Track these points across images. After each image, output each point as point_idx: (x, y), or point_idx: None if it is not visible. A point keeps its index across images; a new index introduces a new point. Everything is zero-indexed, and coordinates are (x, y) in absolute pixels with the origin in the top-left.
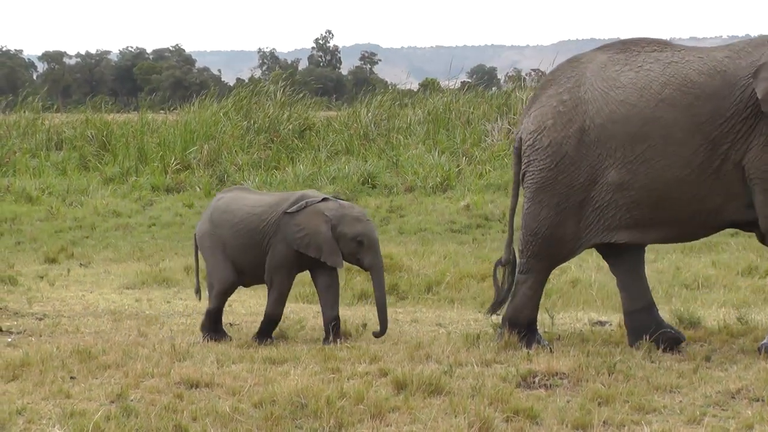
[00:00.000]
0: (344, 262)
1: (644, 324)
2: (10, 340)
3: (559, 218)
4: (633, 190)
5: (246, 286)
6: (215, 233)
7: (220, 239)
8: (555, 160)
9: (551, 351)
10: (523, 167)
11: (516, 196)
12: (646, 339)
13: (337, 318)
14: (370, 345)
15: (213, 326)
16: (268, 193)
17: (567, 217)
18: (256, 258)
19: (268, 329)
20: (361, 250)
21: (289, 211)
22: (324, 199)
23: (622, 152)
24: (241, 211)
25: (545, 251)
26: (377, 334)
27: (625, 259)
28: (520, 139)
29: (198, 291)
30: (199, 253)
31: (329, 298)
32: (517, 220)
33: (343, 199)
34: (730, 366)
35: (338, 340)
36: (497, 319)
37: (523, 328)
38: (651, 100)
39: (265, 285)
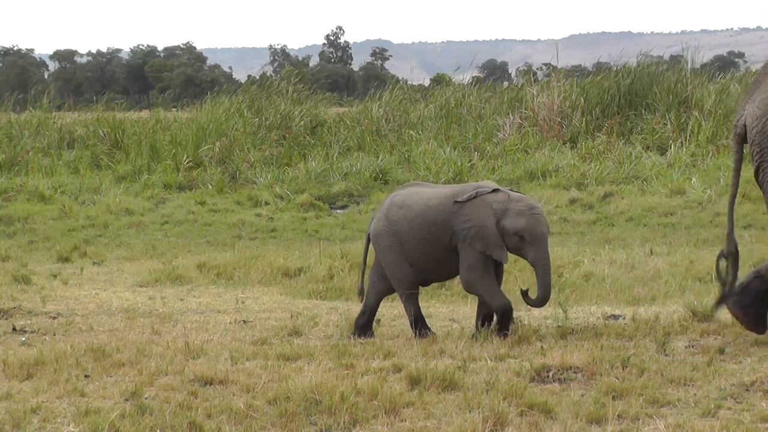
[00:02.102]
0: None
1: None
2: (24, 339)
3: None
4: None
5: (425, 284)
6: (392, 230)
7: (397, 236)
8: None
9: None
10: (755, 160)
11: (736, 185)
12: None
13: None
14: (384, 341)
15: (420, 329)
16: (446, 186)
17: None
18: (435, 253)
19: (506, 322)
20: (523, 245)
21: (458, 200)
22: (495, 190)
23: None
24: (418, 205)
25: None
26: (529, 301)
27: None
28: (744, 125)
29: (362, 292)
30: (371, 252)
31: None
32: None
33: (515, 191)
34: (744, 359)
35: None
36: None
37: None
38: None
39: (424, 283)
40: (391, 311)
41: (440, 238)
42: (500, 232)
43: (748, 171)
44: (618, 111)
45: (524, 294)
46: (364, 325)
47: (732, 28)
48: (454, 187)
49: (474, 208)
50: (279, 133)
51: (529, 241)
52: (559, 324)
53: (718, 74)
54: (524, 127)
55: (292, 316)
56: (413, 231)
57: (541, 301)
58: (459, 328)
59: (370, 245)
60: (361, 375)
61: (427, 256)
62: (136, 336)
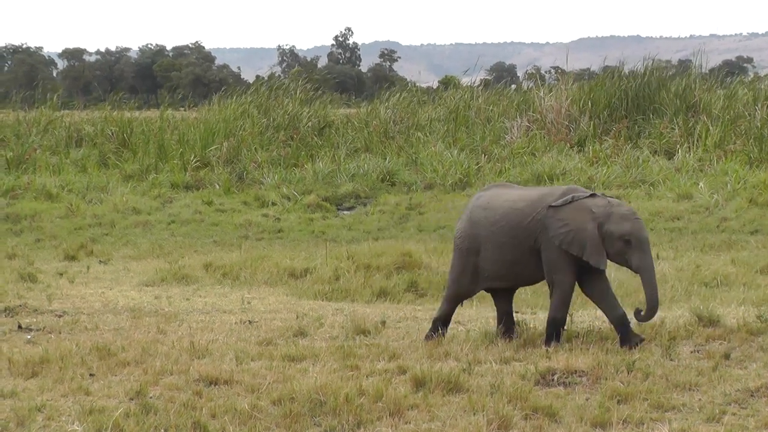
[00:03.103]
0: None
1: None
2: (29, 337)
3: None
4: None
5: (500, 288)
6: (472, 234)
7: (477, 239)
8: None
9: None
10: None
11: None
12: None
13: (624, 314)
14: (389, 342)
15: (435, 329)
16: (531, 188)
17: None
18: (515, 257)
19: (553, 333)
20: (629, 249)
21: (553, 204)
22: (591, 195)
23: None
24: (503, 208)
25: None
26: (639, 318)
27: None
28: None
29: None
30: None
31: (610, 296)
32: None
33: (609, 196)
34: (750, 364)
35: (635, 338)
36: (515, 316)
37: None
38: None
39: (489, 290)
40: (397, 313)
41: (524, 241)
42: (602, 237)
43: (755, 175)
44: (626, 115)
45: (637, 313)
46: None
47: (741, 33)
48: (541, 190)
49: (571, 213)
50: (287, 133)
51: (635, 246)
52: (565, 327)
53: (727, 79)
54: (532, 130)
55: (297, 317)
56: (495, 234)
57: (650, 314)
58: (464, 331)
59: None
60: (366, 376)
61: (505, 259)
62: (141, 335)
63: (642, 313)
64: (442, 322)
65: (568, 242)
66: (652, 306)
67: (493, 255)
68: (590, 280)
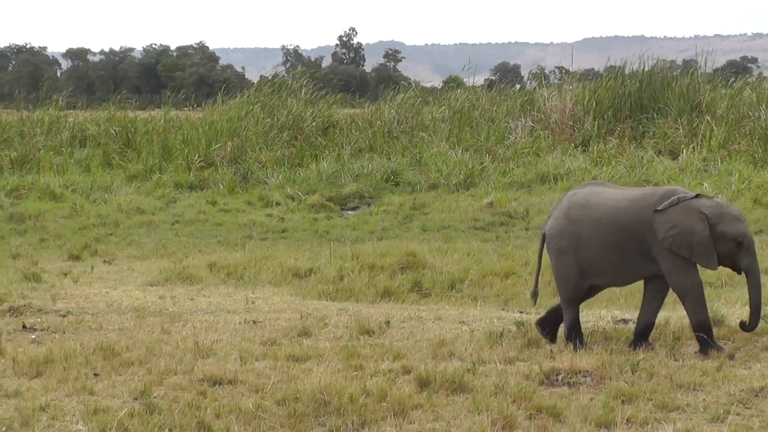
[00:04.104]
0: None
1: None
2: (33, 336)
3: None
4: None
5: (593, 292)
6: (572, 231)
7: (576, 237)
8: None
9: None
10: None
11: None
12: None
13: (652, 325)
14: (394, 342)
15: (575, 339)
16: (629, 188)
17: None
18: (617, 257)
19: (707, 337)
20: (740, 251)
21: (659, 208)
22: (697, 196)
23: None
24: (604, 206)
25: None
26: (746, 329)
27: None
28: None
29: (536, 294)
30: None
31: (654, 304)
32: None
33: (712, 197)
34: (754, 364)
35: (646, 345)
36: (519, 317)
37: None
38: None
39: (592, 290)
40: (401, 313)
41: (627, 241)
42: (713, 238)
43: (759, 175)
44: (630, 115)
45: (743, 325)
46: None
47: (745, 33)
48: (640, 190)
49: (679, 214)
50: (291, 133)
51: (746, 247)
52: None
53: (731, 79)
54: (536, 130)
55: (301, 317)
56: (597, 233)
57: (755, 320)
58: (468, 331)
59: (545, 246)
60: (370, 376)
61: (607, 259)
62: (145, 335)
63: (747, 323)
64: (574, 327)
65: (677, 244)
66: (757, 308)
67: (596, 253)
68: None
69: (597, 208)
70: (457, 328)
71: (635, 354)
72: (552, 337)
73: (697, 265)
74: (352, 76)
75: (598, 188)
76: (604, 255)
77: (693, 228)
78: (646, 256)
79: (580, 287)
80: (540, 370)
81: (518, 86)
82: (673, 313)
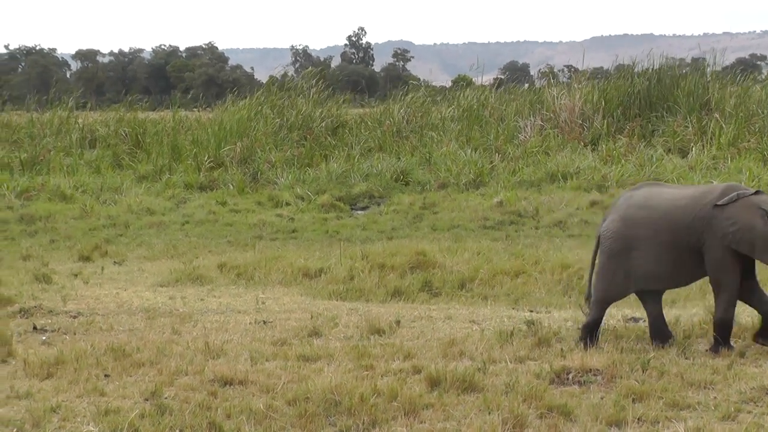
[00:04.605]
0: None
1: None
2: (44, 338)
3: None
4: None
5: (662, 289)
6: (627, 233)
7: (632, 239)
8: None
9: None
10: None
11: None
12: None
13: None
14: (404, 342)
15: (593, 336)
16: (686, 186)
17: None
18: (675, 257)
19: (723, 336)
20: None
21: (719, 203)
22: (757, 192)
23: None
24: (663, 206)
25: None
26: None
27: None
28: None
29: (590, 296)
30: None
31: (759, 294)
32: None
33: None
34: (765, 362)
35: None
36: (530, 316)
37: None
38: None
39: (656, 289)
40: (411, 312)
41: (685, 240)
42: None
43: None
44: (639, 113)
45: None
46: (660, 332)
47: (754, 31)
48: (699, 188)
49: (739, 211)
50: (300, 133)
51: None
52: (579, 326)
53: (740, 77)
54: (545, 129)
55: (312, 317)
56: (656, 234)
57: None
58: (479, 330)
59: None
60: (381, 376)
61: (664, 259)
62: (156, 336)
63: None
64: (594, 326)
65: (737, 241)
66: None
67: (651, 255)
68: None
69: (656, 208)
70: (467, 328)
71: (645, 352)
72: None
73: (759, 261)
74: (361, 75)
75: (655, 188)
76: (660, 257)
77: (753, 224)
78: (701, 257)
79: (621, 292)
80: (551, 369)
81: (527, 85)
82: (683, 312)
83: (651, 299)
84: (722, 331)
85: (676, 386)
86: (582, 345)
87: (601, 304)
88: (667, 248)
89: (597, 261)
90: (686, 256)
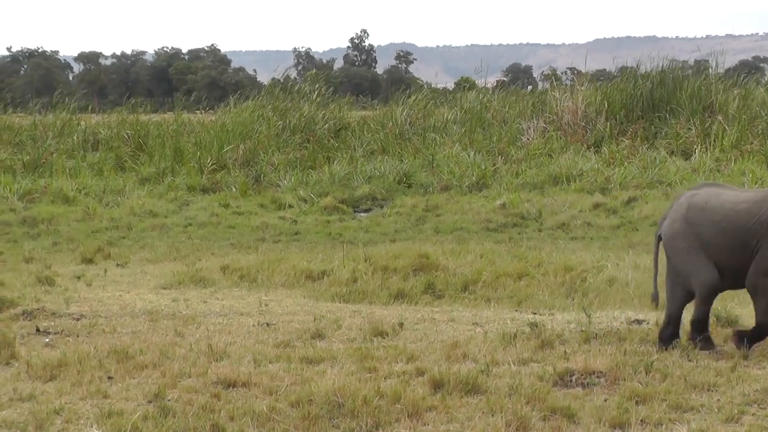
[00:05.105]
0: None
1: None
2: (47, 340)
3: None
4: None
5: (721, 290)
6: (692, 233)
7: (698, 239)
8: None
9: None
10: None
11: None
12: None
13: None
14: (407, 344)
15: (703, 334)
16: (747, 189)
17: None
18: (740, 259)
19: (759, 338)
20: None
21: None
22: None
23: None
24: (724, 208)
25: None
26: None
27: None
28: None
29: (656, 297)
30: (664, 255)
31: None
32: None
33: None
34: None
35: None
36: (533, 318)
37: None
38: None
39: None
40: (414, 315)
41: (746, 243)
42: None
43: None
44: (642, 115)
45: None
46: (671, 336)
47: (757, 33)
48: (761, 191)
49: None
50: (303, 136)
51: None
52: (583, 329)
53: (743, 79)
54: (548, 132)
55: (315, 319)
56: (717, 235)
57: None
58: (482, 332)
59: (660, 248)
60: (384, 378)
61: (731, 261)
62: (159, 338)
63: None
64: (700, 323)
65: None
66: None
67: (714, 257)
68: None
69: (717, 210)
70: (470, 330)
71: (649, 355)
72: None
73: None
74: (363, 78)
75: (716, 189)
76: (722, 257)
77: None
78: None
79: (718, 282)
80: (554, 371)
81: (530, 87)
82: (686, 314)
83: (707, 297)
84: (761, 332)
85: (679, 388)
86: (697, 343)
87: (705, 298)
88: (727, 251)
89: (669, 263)
90: (745, 260)
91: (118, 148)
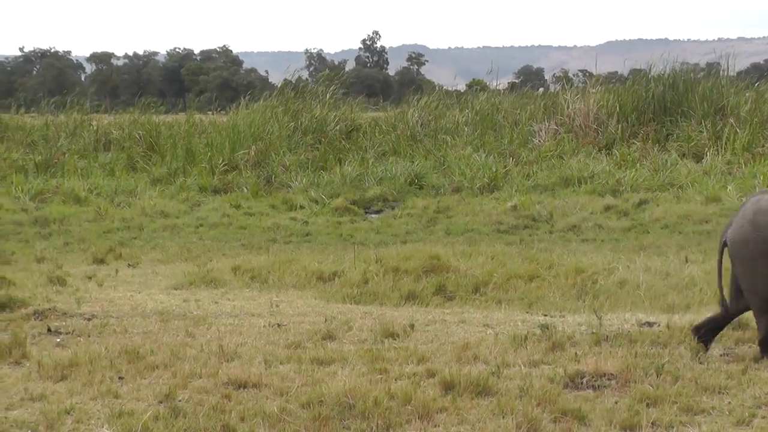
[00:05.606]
0: None
1: None
2: (58, 340)
3: None
4: None
5: None
6: (760, 237)
7: (766, 244)
8: None
9: None
10: None
11: None
12: None
13: None
14: (418, 345)
15: None
16: None
17: None
18: None
19: None
20: None
21: None
22: None
23: None
24: None
25: None
26: None
27: None
28: None
29: (724, 303)
30: (730, 260)
31: None
32: None
33: None
34: None
35: None
36: (544, 320)
37: None
38: None
39: None
40: (425, 316)
41: None
42: None
43: None
44: (653, 118)
45: None
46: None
47: None
48: None
49: None
50: (314, 137)
51: None
52: (594, 331)
53: (755, 82)
54: (560, 134)
55: (326, 320)
56: None
57: None
58: (493, 334)
59: (725, 254)
60: (395, 380)
61: None
62: (170, 338)
63: None
64: None
65: None
66: None
67: None
68: None
69: None
70: (481, 332)
71: (660, 357)
72: (706, 345)
73: None
74: (375, 79)
75: None
76: None
77: None
78: None
79: None
80: (564, 373)
81: (541, 89)
82: (698, 316)
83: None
84: None
85: (690, 391)
86: (763, 355)
87: (763, 312)
88: None
89: (737, 270)
90: None
91: (129, 149)
